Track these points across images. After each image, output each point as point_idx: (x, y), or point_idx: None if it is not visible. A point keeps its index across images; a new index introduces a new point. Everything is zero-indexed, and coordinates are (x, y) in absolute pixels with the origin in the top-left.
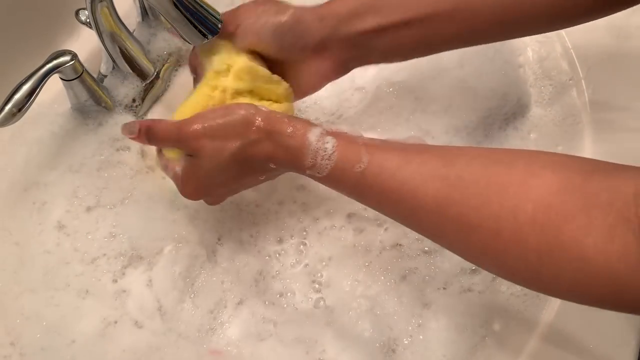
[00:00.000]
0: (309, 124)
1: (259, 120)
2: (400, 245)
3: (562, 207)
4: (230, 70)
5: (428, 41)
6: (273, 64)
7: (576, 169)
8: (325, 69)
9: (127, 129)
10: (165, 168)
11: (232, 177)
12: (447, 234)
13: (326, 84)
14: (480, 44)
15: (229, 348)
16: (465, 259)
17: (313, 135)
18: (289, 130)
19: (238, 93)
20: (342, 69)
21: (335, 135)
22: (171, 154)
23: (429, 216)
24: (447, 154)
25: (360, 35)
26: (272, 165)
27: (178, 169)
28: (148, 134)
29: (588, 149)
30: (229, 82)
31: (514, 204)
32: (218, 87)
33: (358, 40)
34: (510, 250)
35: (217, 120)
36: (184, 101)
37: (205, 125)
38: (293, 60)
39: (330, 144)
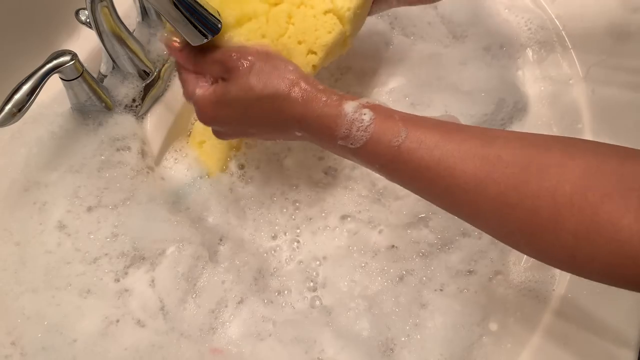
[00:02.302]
0: (345, 96)
1: (300, 84)
2: (395, 247)
3: (598, 188)
4: None
5: None
6: None
7: (611, 153)
8: None
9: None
10: (188, 87)
11: (252, 119)
12: (483, 213)
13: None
14: None
15: (229, 347)
16: (498, 238)
17: (350, 106)
18: (323, 98)
19: None
20: None
21: (373, 108)
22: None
23: (466, 194)
24: (484, 134)
25: None
26: (297, 132)
27: (202, 90)
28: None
29: None
30: None
31: (552, 184)
32: None
33: None
34: (546, 230)
35: (267, 63)
36: None
37: (255, 60)
38: None
39: (367, 115)
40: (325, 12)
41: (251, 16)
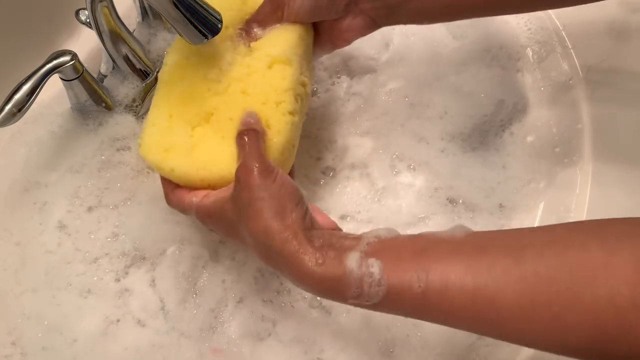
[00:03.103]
0: (344, 244)
1: (292, 242)
2: None
3: None
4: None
5: (455, 5)
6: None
7: None
8: (356, 25)
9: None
10: (184, 201)
11: (248, 246)
12: (541, 338)
13: (358, 38)
14: (505, 13)
15: (229, 347)
16: (565, 355)
17: (352, 261)
18: (320, 260)
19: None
20: (372, 26)
21: (378, 254)
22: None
23: (517, 324)
24: (509, 246)
25: None
26: (297, 285)
27: (197, 199)
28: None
29: (587, 151)
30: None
31: (607, 290)
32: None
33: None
34: (616, 341)
35: (271, 201)
36: None
37: (261, 194)
38: (327, 18)
39: (376, 267)
40: (269, 66)
41: (212, 112)
